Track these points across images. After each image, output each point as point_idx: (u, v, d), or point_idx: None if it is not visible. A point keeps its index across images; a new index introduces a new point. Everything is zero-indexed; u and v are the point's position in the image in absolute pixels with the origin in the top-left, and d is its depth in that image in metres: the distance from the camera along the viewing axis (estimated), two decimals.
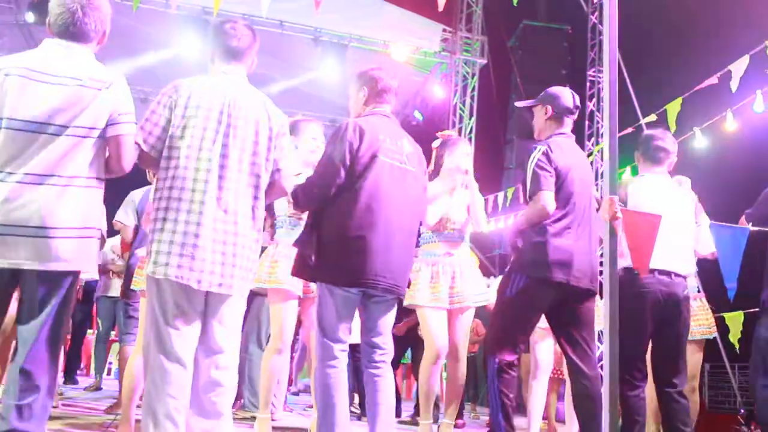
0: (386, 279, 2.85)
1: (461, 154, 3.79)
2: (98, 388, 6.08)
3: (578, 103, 3.33)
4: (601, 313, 3.40)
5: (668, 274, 3.43)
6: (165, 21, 6.61)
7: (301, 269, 2.97)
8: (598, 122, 9.04)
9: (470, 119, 8.65)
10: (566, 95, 3.36)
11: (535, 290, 3.14)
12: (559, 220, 3.15)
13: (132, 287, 3.76)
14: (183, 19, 6.92)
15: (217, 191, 2.52)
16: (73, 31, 2.52)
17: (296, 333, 4.03)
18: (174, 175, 2.52)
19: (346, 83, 6.55)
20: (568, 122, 3.32)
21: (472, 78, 8.69)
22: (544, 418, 5.08)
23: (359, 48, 7.76)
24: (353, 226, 2.85)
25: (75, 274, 2.53)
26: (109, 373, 6.45)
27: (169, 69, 7.96)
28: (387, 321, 3.00)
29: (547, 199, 3.12)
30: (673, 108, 5.39)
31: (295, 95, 8.26)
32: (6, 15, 6.36)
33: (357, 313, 2.99)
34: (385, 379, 2.94)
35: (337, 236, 2.87)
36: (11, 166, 2.37)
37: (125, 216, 4.88)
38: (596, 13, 8.75)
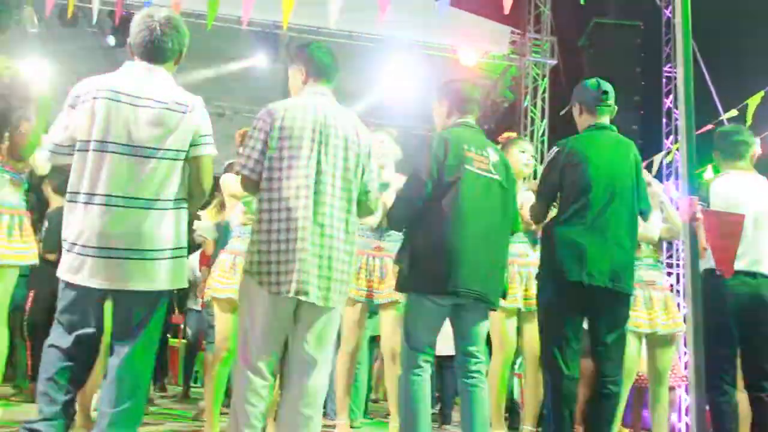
0: (476, 288, 2.86)
1: (516, 153, 3.79)
2: (186, 396, 6.28)
3: (605, 87, 3.21)
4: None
5: (753, 275, 3.31)
6: (237, 36, 6.78)
7: (400, 282, 3.02)
8: (676, 119, 8.76)
9: (542, 121, 8.54)
10: (588, 85, 3.27)
11: (554, 292, 3.08)
12: (569, 213, 3.08)
13: (207, 296, 3.87)
14: (254, 34, 7.10)
15: (313, 207, 2.59)
16: (151, 49, 2.63)
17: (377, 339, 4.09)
18: (273, 197, 2.60)
19: (417, 90, 6.54)
20: (602, 111, 3.21)
21: (543, 79, 8.57)
22: (629, 427, 4.94)
23: (427, 54, 7.78)
24: (442, 237, 2.89)
25: (169, 292, 2.65)
26: (195, 381, 6.65)
27: (242, 82, 8.19)
28: (480, 330, 3.02)
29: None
30: (754, 102, 5.19)
31: (364, 103, 8.35)
32: (89, 39, 6.66)
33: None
34: (480, 390, 2.96)
35: (426, 247, 2.92)
36: (103, 189, 2.48)
37: (208, 230, 5.03)
38: (669, 7, 8.49)
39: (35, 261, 3.78)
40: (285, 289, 2.54)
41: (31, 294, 5.05)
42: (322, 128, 2.67)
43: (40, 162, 3.70)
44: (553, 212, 3.25)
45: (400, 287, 3.05)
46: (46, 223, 5.21)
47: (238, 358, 2.63)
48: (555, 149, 3.21)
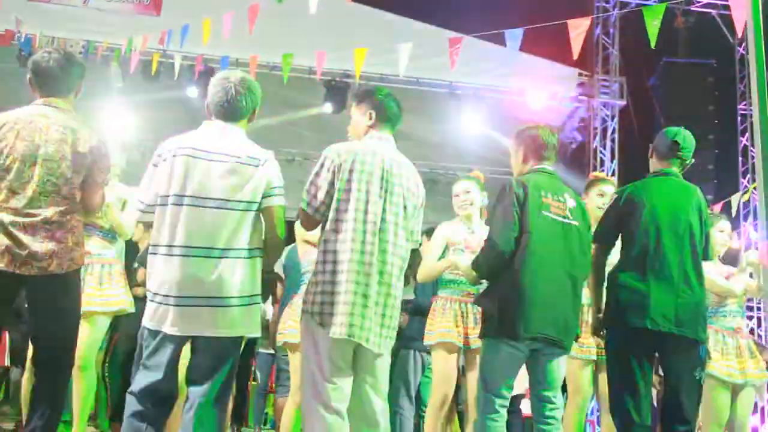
0: (551, 333, 2.87)
1: (594, 196, 3.78)
2: None
3: (680, 139, 3.21)
4: None
5: None
6: (307, 85, 7.00)
7: (485, 326, 3.05)
8: (752, 158, 8.52)
9: (612, 162, 8.44)
10: (665, 132, 3.29)
11: (621, 339, 3.07)
12: (631, 259, 3.08)
13: (279, 341, 3.96)
14: (325, 83, 7.31)
15: (377, 253, 2.66)
16: (227, 109, 2.79)
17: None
18: (339, 239, 2.67)
19: (483, 133, 6.56)
20: (673, 161, 3.22)
21: (612, 120, 8.49)
22: None
23: (495, 97, 7.83)
24: (519, 282, 2.92)
25: (242, 339, 2.74)
26: (265, 423, 6.72)
27: (311, 129, 8.40)
28: (556, 375, 3.02)
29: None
30: None
31: (434, 148, 8.43)
32: (170, 92, 6.98)
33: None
34: None
35: (503, 292, 2.94)
36: (180, 240, 2.62)
37: (281, 269, 5.14)
38: (744, 44, 8.33)
39: (123, 307, 3.96)
40: (346, 332, 2.59)
41: (115, 337, 5.26)
42: (388, 176, 2.76)
43: (127, 226, 3.92)
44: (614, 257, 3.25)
45: (484, 331, 3.07)
46: (135, 264, 5.43)
47: (311, 399, 2.67)
48: (615, 195, 3.24)
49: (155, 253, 2.67)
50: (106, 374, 5.37)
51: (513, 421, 5.41)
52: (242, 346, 2.82)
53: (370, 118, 2.92)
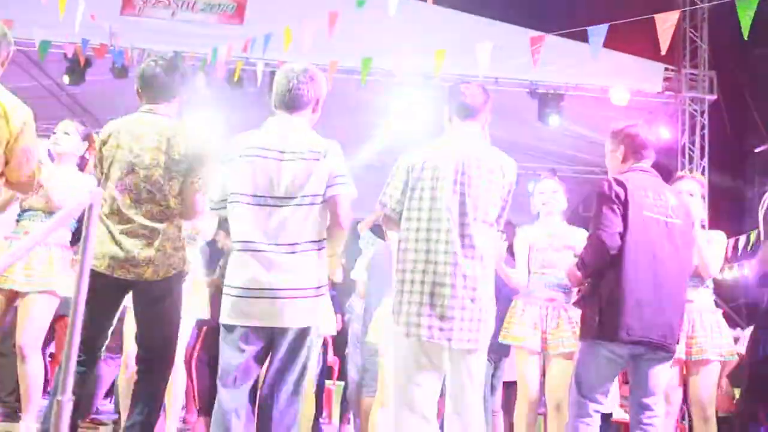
0: (656, 335, 2.78)
1: (683, 195, 3.63)
2: None
3: None
4: None
5: None
6: (388, 89, 7.03)
7: (585, 329, 2.99)
8: None
9: (702, 159, 8.11)
10: None
11: None
12: None
13: (366, 340, 3.99)
14: (403, 86, 7.31)
15: (460, 250, 2.63)
16: (289, 98, 2.83)
17: None
18: (416, 237, 2.67)
19: (565, 132, 6.45)
20: None
21: (701, 116, 8.16)
22: None
23: (577, 95, 7.66)
24: (621, 283, 2.84)
25: (313, 330, 2.77)
26: (348, 422, 6.78)
27: (395, 135, 8.43)
28: (659, 381, 2.93)
29: None
30: None
31: (514, 148, 8.31)
32: (256, 97, 7.15)
33: None
34: None
35: (604, 294, 2.87)
36: (250, 236, 2.68)
37: (360, 272, 5.18)
38: None
39: (202, 316, 4.11)
40: (428, 333, 2.57)
41: (202, 332, 5.42)
42: (465, 168, 2.71)
43: (204, 227, 4.05)
44: None
45: (584, 335, 3.00)
46: (221, 262, 5.57)
47: (397, 401, 2.68)
48: None
49: (233, 250, 2.76)
50: (193, 369, 5.55)
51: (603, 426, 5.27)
52: (313, 338, 2.85)
53: (448, 114, 2.92)
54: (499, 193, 2.76)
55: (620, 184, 2.94)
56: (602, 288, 2.91)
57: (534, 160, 8.53)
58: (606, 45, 5.51)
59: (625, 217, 2.88)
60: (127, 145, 3.04)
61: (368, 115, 7.89)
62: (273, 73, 6.91)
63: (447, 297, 2.60)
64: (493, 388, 4.58)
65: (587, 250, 3.00)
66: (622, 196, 2.91)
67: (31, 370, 3.65)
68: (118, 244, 2.97)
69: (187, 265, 3.18)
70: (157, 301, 3.06)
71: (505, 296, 3.75)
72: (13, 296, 3.74)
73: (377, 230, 5.01)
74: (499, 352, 4.23)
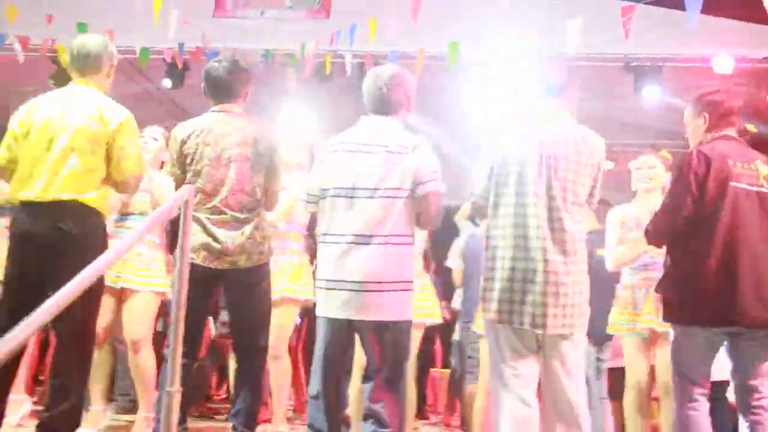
0: (759, 314, 2.64)
1: None
2: (447, 425, 6.45)
3: None
4: None
5: None
6: (477, 73, 6.93)
7: (669, 312, 2.90)
8: None
9: None
10: None
11: None
12: None
13: (473, 329, 3.98)
14: (492, 68, 7.19)
15: (549, 234, 2.59)
16: (380, 105, 2.88)
17: None
18: (504, 223, 2.64)
19: (664, 106, 6.20)
20: None
21: None
22: None
23: (676, 66, 7.32)
24: (713, 261, 2.71)
25: (399, 323, 2.79)
26: (455, 410, 6.81)
27: (482, 117, 8.32)
28: (762, 360, 2.77)
29: None
30: None
31: (612, 124, 8.04)
32: (345, 89, 7.22)
33: None
34: (764, 427, 2.71)
35: (693, 274, 2.76)
36: (338, 229, 2.74)
37: (455, 260, 5.17)
38: None
39: (310, 297, 4.19)
40: (519, 320, 2.54)
41: (305, 321, 5.56)
42: (551, 149, 2.65)
43: (298, 219, 4.19)
44: None
45: (668, 317, 2.89)
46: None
47: (496, 386, 2.67)
48: None
49: (322, 242, 2.83)
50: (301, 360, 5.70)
51: (718, 410, 5.03)
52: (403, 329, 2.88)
53: (530, 92, 2.87)
54: (588, 172, 2.68)
55: (703, 155, 2.79)
56: (683, 267, 2.78)
57: (633, 136, 8.23)
58: (704, 11, 5.25)
59: (709, 190, 2.73)
60: (213, 142, 3.20)
61: (459, 100, 7.83)
62: (361, 65, 7.00)
63: (538, 283, 2.56)
64: (598, 372, 4.47)
65: (654, 219, 2.88)
66: (704, 168, 2.76)
67: (144, 363, 3.86)
68: (211, 235, 3.13)
69: (272, 252, 3.31)
70: (249, 289, 3.20)
71: (601, 278, 3.66)
72: (121, 295, 3.97)
73: (473, 219, 4.98)
74: (600, 335, 4.13)
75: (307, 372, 5.85)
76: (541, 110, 2.81)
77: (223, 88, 3.32)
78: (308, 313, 5.21)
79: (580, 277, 2.64)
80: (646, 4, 5.81)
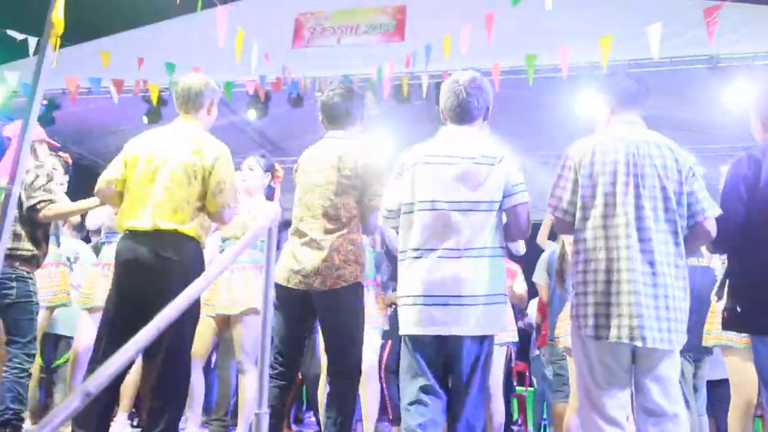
0: None
1: None
2: None
3: None
4: None
5: None
6: (555, 84, 6.87)
7: (728, 321, 2.78)
8: None
9: None
10: None
11: None
12: None
13: (559, 345, 3.91)
14: (570, 79, 7.11)
15: (638, 245, 2.52)
16: (459, 112, 2.85)
17: None
18: (589, 236, 2.59)
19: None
20: None
21: None
22: None
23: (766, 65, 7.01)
24: (759, 267, 2.58)
25: (490, 338, 2.77)
26: (544, 430, 6.68)
27: (563, 128, 8.21)
28: None
29: None
30: None
31: (697, 130, 7.78)
32: (423, 109, 7.29)
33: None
34: None
35: (755, 280, 2.64)
36: (429, 244, 2.72)
37: (540, 276, 5.10)
38: None
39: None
40: (616, 333, 2.46)
41: (389, 343, 5.60)
42: (636, 159, 2.58)
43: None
44: None
45: (729, 326, 2.77)
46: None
47: (586, 408, 2.60)
48: None
49: (402, 259, 2.81)
50: (383, 379, 5.73)
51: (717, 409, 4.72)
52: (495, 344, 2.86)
53: (609, 105, 2.79)
54: (677, 182, 2.60)
55: (753, 158, 2.68)
56: (743, 274, 2.65)
57: (723, 140, 7.92)
58: None
59: (756, 191, 2.60)
60: (308, 168, 3.29)
61: (537, 113, 7.76)
62: (438, 84, 7.05)
63: (631, 295, 2.48)
64: (695, 389, 4.29)
65: (717, 227, 2.75)
66: (754, 171, 2.65)
67: (249, 384, 3.99)
68: (294, 256, 3.21)
69: (358, 277, 3.28)
70: (331, 312, 3.23)
71: (698, 290, 3.53)
72: (224, 320, 4.12)
73: (553, 235, 4.92)
74: (699, 350, 3.98)
75: (394, 393, 5.91)
76: (622, 121, 2.75)
77: (337, 115, 3.39)
78: (387, 334, 5.27)
79: (677, 290, 2.54)
80: (730, 2, 5.61)
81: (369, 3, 7.35)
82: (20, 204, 3.81)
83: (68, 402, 1.40)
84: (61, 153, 4.84)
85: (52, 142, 4.67)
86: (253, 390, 3.99)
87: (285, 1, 7.63)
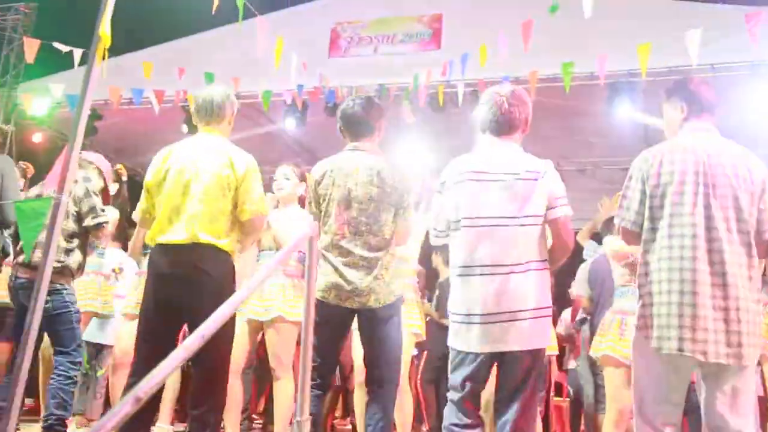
0: None
1: None
2: None
3: None
4: None
5: None
6: (591, 91, 6.83)
7: None
8: None
9: None
10: None
11: None
12: None
13: (593, 354, 3.88)
14: (608, 86, 7.05)
15: (707, 256, 2.44)
16: (500, 123, 2.84)
17: None
18: (658, 247, 2.53)
19: None
20: None
21: None
22: None
23: None
24: None
25: (541, 351, 2.75)
26: None
27: (600, 137, 8.14)
28: None
29: None
30: None
31: (740, 137, 7.63)
32: (458, 118, 7.29)
33: None
34: None
35: None
36: (478, 260, 2.72)
37: (582, 287, 5.07)
38: None
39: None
40: (678, 346, 2.41)
41: (425, 354, 5.61)
42: (707, 168, 2.51)
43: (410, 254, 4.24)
44: None
45: None
46: (437, 291, 5.75)
47: (639, 420, 2.56)
48: None
49: (453, 276, 2.82)
50: (419, 388, 5.74)
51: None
52: (542, 358, 2.83)
53: (682, 111, 2.72)
54: (749, 193, 2.52)
55: None
56: None
57: (758, 144, 7.77)
58: None
59: None
60: (342, 182, 3.29)
61: (574, 121, 7.71)
62: (474, 93, 7.06)
63: (698, 307, 2.41)
64: None
65: None
66: None
67: (284, 390, 4.02)
68: (342, 276, 3.21)
69: (400, 290, 3.33)
70: (380, 326, 3.25)
71: None
72: (258, 326, 4.16)
73: (597, 239, 4.87)
74: None
75: (431, 404, 5.90)
76: (692, 129, 2.69)
77: (358, 126, 3.40)
78: (423, 345, 5.28)
79: (749, 302, 2.47)
80: None
81: (405, 12, 7.39)
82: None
83: (119, 407, 1.44)
84: (118, 168, 5.00)
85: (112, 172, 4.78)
86: (288, 396, 4.02)
87: (322, 12, 7.72)
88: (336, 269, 3.22)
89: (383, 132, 3.49)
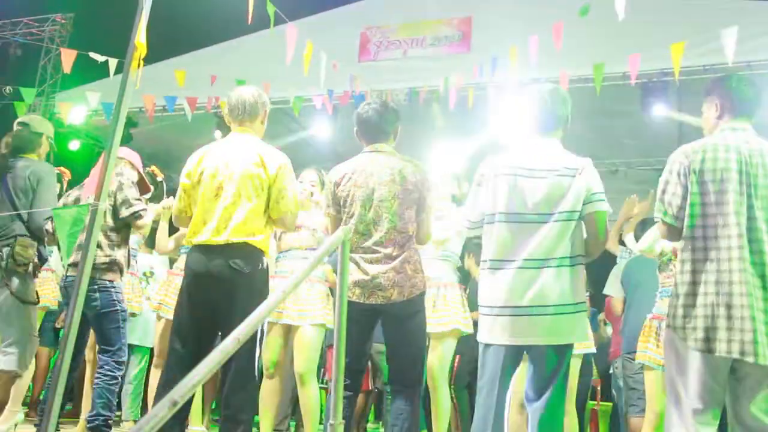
0: None
1: None
2: None
3: None
4: None
5: None
6: (623, 92, 6.76)
7: None
8: None
9: None
10: None
11: None
12: None
13: (636, 360, 3.85)
14: (641, 86, 6.97)
15: (750, 257, 2.41)
16: (542, 121, 2.86)
17: None
18: (698, 246, 2.49)
19: None
20: None
21: None
22: None
23: None
24: None
25: (570, 347, 2.75)
26: None
27: (632, 137, 8.05)
28: None
29: None
30: None
31: None
32: (487, 120, 7.26)
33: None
34: None
35: None
36: (511, 255, 2.72)
37: (615, 288, 5.01)
38: None
39: (458, 327, 4.21)
40: (721, 347, 2.37)
41: (458, 358, 5.57)
42: (748, 168, 2.48)
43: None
44: None
45: None
46: (467, 290, 5.71)
47: (673, 421, 2.53)
48: None
49: (484, 269, 2.82)
50: (452, 393, 5.70)
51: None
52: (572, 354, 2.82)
53: (717, 110, 2.69)
54: None
55: None
56: None
57: None
58: None
59: None
60: (364, 183, 3.34)
61: (606, 121, 7.64)
62: (503, 94, 7.02)
63: (743, 308, 2.37)
64: None
65: None
66: None
67: (310, 394, 4.04)
68: (364, 272, 3.25)
69: (425, 285, 3.36)
70: (404, 321, 3.28)
71: None
72: (287, 330, 4.19)
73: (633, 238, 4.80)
74: None
75: (464, 406, 5.87)
76: (730, 127, 2.62)
77: (374, 129, 3.46)
78: (462, 346, 5.24)
79: None
80: None
81: (434, 15, 7.39)
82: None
83: (156, 410, 1.47)
84: (152, 169, 5.06)
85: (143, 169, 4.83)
86: (315, 400, 4.04)
87: (351, 16, 7.76)
88: (359, 266, 3.27)
89: (398, 135, 3.54)
